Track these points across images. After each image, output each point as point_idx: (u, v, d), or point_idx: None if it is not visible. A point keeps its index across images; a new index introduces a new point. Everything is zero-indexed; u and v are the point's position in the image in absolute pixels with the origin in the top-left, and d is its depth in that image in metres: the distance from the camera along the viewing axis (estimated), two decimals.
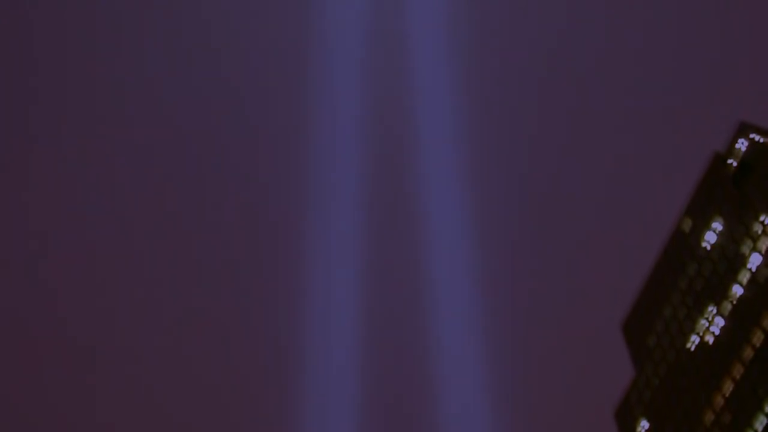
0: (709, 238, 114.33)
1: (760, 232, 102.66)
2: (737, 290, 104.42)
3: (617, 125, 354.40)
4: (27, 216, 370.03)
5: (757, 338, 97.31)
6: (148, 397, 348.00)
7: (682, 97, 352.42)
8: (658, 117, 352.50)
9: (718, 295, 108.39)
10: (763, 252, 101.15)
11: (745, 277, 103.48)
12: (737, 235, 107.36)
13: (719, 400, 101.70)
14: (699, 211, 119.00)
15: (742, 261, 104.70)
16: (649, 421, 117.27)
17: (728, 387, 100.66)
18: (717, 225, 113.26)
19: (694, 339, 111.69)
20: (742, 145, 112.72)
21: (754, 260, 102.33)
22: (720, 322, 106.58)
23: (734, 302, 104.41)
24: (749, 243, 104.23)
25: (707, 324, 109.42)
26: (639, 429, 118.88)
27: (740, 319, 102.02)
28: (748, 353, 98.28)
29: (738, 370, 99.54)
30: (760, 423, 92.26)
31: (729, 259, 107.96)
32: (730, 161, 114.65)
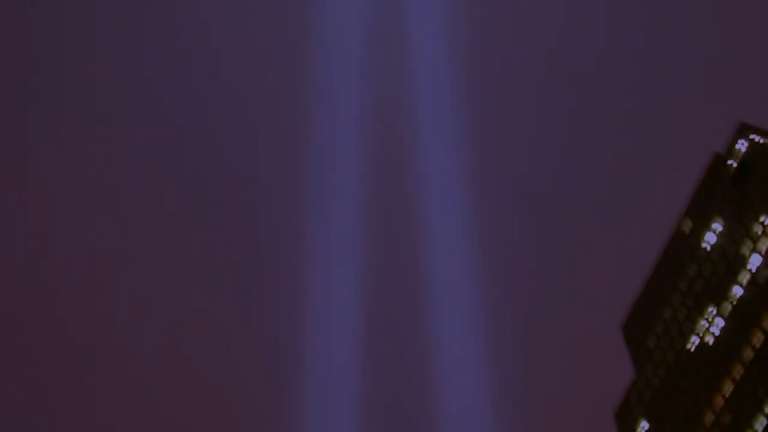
0: (709, 239, 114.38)
1: (760, 232, 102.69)
2: (737, 291, 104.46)
3: (617, 125, 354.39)
4: (27, 216, 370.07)
5: (757, 339, 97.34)
6: (148, 397, 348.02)
7: (682, 97, 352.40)
8: (658, 117, 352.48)
9: (718, 295, 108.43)
10: (763, 253, 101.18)
11: (745, 277, 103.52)
12: (737, 236, 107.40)
13: (719, 401, 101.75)
14: (699, 212, 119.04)
15: (742, 262, 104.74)
16: (649, 421, 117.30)
17: (728, 388, 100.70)
18: (717, 226, 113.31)
19: (694, 340, 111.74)
20: (742, 145, 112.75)
21: (754, 261, 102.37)
22: (720, 322, 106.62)
23: (734, 303, 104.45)
24: (749, 244, 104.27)
25: (707, 325, 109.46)
26: (639, 430, 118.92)
27: (740, 320, 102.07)
28: (748, 354, 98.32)
29: (738, 371, 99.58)
30: (760, 424, 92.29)
31: (729, 259, 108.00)
32: (730, 162, 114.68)
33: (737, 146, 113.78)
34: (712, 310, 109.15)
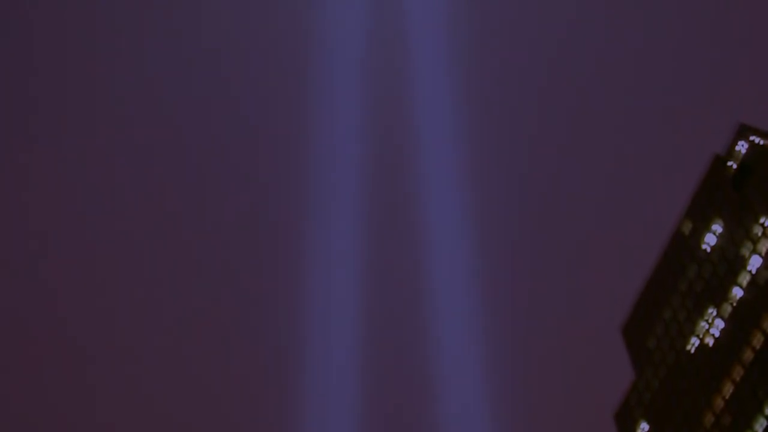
0: (709, 241, 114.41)
1: (760, 234, 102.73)
2: (737, 292, 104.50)
3: (617, 125, 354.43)
4: (27, 216, 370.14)
5: (757, 340, 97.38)
6: (148, 397, 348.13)
7: (682, 97, 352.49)
8: (658, 117, 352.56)
9: (718, 297, 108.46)
10: (763, 254, 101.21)
11: (745, 279, 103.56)
12: (737, 238, 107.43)
13: (719, 402, 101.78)
14: (699, 214, 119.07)
15: (742, 263, 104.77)
16: (648, 423, 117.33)
17: (728, 389, 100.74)
18: (717, 227, 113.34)
19: (694, 341, 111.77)
20: (742, 147, 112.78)
21: (754, 262, 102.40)
22: (720, 324, 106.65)
23: (734, 304, 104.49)
24: (749, 245, 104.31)
25: (707, 326, 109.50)
26: (639, 431, 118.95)
27: (740, 321, 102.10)
28: (748, 355, 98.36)
29: (738, 372, 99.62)
30: (760, 425, 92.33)
31: (729, 261, 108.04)
32: (730, 163, 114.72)
33: (737, 148, 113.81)
34: (712, 311, 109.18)
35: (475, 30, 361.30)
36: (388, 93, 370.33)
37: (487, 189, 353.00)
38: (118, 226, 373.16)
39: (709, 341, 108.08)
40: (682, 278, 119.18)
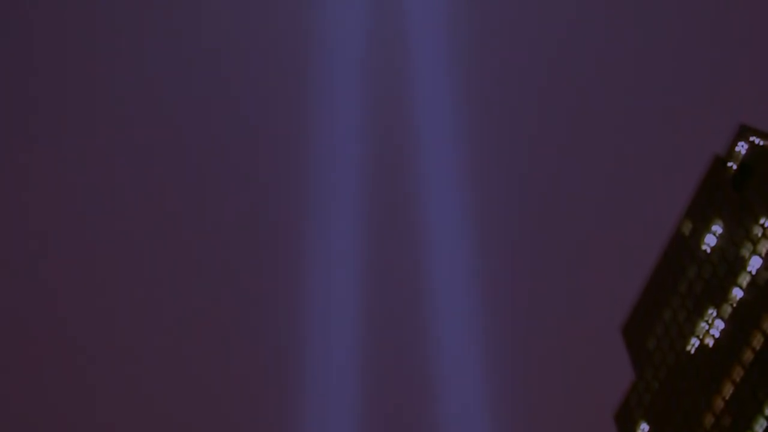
0: (709, 241, 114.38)
1: (760, 235, 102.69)
2: (737, 293, 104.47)
3: (617, 125, 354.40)
4: (27, 216, 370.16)
5: (757, 341, 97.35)
6: (148, 397, 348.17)
7: (682, 97, 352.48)
8: (658, 117, 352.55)
9: (718, 297, 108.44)
10: (763, 255, 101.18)
11: (745, 279, 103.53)
12: (737, 238, 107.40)
13: (719, 403, 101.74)
14: (699, 214, 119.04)
15: (742, 264, 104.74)
16: (648, 424, 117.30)
17: (728, 390, 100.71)
18: (717, 228, 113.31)
19: (694, 342, 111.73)
20: (742, 148, 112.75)
21: (754, 263, 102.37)
22: (720, 325, 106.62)
23: (734, 305, 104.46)
24: (749, 246, 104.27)
25: (707, 327, 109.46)
26: None
27: (740, 322, 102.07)
28: (748, 356, 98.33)
29: (738, 373, 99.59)
30: (760, 426, 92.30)
31: (729, 261, 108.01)
32: (730, 164, 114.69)
33: (737, 148, 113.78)
34: (712, 312, 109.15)
35: (475, 30, 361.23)
36: (388, 93, 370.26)
37: (487, 189, 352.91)
38: (118, 226, 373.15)
39: (709, 342, 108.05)
40: (682, 279, 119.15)
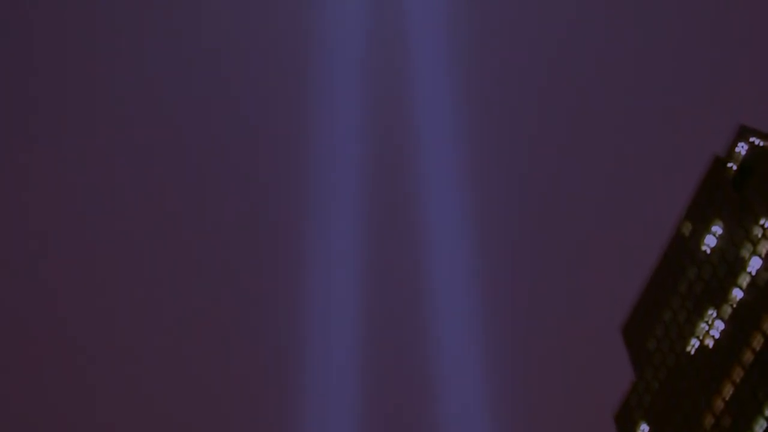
0: (709, 242, 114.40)
1: (759, 235, 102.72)
2: (737, 294, 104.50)
3: (617, 125, 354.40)
4: (27, 216, 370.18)
5: (757, 342, 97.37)
6: (148, 397, 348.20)
7: (682, 97, 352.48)
8: (658, 117, 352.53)
9: (718, 298, 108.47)
10: (763, 255, 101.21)
11: (745, 280, 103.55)
12: (737, 239, 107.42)
13: (719, 404, 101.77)
14: (699, 215, 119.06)
15: (742, 264, 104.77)
16: (648, 424, 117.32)
17: (728, 390, 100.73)
18: (717, 228, 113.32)
19: (694, 342, 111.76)
20: (742, 148, 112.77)
21: (754, 264, 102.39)
22: (720, 325, 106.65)
23: (734, 306, 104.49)
24: (749, 246, 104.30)
25: (707, 327, 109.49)
26: None
27: (740, 323, 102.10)
28: (748, 357, 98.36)
29: (738, 374, 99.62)
30: (760, 426, 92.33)
31: (729, 262, 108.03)
32: (730, 165, 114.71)
33: (737, 149, 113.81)
34: (712, 312, 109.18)
35: (475, 30, 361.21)
36: (388, 93, 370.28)
37: (487, 189, 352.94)
38: (118, 226, 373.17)
39: (709, 343, 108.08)
40: (682, 279, 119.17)
